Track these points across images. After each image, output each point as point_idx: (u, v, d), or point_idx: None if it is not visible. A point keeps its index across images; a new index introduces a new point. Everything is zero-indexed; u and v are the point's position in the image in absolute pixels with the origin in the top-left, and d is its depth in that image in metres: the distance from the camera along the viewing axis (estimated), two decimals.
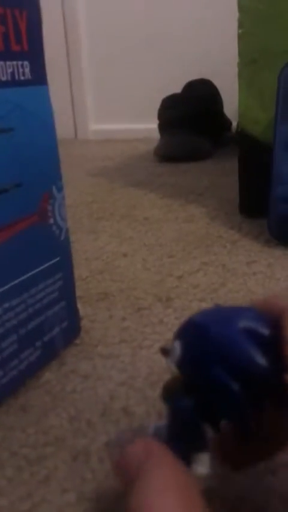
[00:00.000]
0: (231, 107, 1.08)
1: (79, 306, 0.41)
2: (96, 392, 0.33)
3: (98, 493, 0.26)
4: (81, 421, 0.31)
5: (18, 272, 0.33)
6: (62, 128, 1.20)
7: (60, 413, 0.32)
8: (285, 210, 0.56)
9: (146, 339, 0.39)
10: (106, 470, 0.27)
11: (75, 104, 1.66)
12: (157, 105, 1.19)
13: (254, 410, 0.20)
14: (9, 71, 0.30)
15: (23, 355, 0.34)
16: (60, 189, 0.35)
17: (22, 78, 0.31)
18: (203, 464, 0.20)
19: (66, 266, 0.37)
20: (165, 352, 0.22)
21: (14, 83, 0.31)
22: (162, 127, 1.17)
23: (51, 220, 0.35)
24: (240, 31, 0.61)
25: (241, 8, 0.60)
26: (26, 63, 0.31)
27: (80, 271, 0.53)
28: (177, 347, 0.21)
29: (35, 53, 0.32)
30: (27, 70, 0.32)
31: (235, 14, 0.60)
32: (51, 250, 0.35)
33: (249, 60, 0.61)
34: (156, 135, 1.20)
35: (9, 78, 0.30)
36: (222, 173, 0.95)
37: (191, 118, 1.12)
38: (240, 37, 0.61)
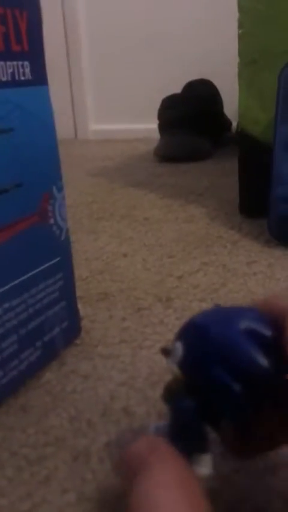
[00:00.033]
0: (231, 107, 1.08)
1: (79, 306, 0.41)
2: (97, 393, 0.33)
3: (98, 493, 0.26)
4: (81, 421, 0.31)
5: (19, 272, 0.33)
6: (62, 128, 1.20)
7: (61, 413, 0.32)
8: (285, 210, 0.56)
9: (146, 339, 0.39)
10: (106, 471, 0.27)
11: (75, 104, 1.66)
12: (157, 105, 1.19)
13: (255, 411, 0.20)
14: (10, 71, 0.30)
15: (23, 355, 0.34)
16: (60, 189, 0.35)
17: (22, 78, 0.31)
18: (204, 465, 0.20)
19: (66, 266, 0.37)
20: (166, 352, 0.22)
21: (14, 83, 0.31)
22: (162, 127, 1.17)
23: (52, 221, 0.35)
24: (240, 31, 0.61)
25: (241, 8, 0.60)
26: (26, 63, 0.31)
27: (80, 271, 0.53)
28: (179, 348, 0.21)
29: (35, 53, 0.32)
30: (27, 70, 0.32)
31: (235, 14, 0.61)
32: (51, 251, 0.35)
33: (249, 61, 0.61)
34: (156, 135, 1.20)
35: (9, 78, 0.30)
36: (222, 173, 0.95)
37: (191, 118, 1.12)
38: (240, 37, 0.61)
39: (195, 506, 0.17)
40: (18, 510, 0.25)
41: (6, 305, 0.32)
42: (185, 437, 0.20)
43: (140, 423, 0.30)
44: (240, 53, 0.62)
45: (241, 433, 0.22)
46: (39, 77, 0.33)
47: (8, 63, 0.30)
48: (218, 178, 0.91)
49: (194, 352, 0.21)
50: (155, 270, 0.53)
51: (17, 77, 0.31)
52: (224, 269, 0.52)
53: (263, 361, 0.20)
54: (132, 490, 0.18)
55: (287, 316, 0.20)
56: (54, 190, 0.35)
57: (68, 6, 1.57)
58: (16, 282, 0.32)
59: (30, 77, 0.32)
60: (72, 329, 0.39)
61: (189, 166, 1.04)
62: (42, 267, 0.34)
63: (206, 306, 0.44)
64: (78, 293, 0.42)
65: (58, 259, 0.36)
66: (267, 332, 0.21)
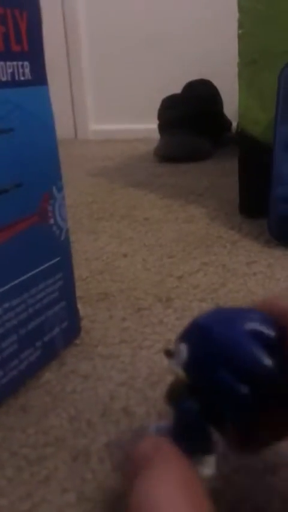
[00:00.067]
0: (231, 107, 1.09)
1: (79, 306, 0.41)
2: (97, 393, 0.33)
3: (98, 493, 0.26)
4: (81, 421, 0.31)
5: (19, 272, 0.33)
6: (62, 128, 1.20)
7: (60, 413, 0.32)
8: (285, 211, 0.56)
9: (146, 339, 0.39)
10: (106, 471, 0.27)
11: (75, 104, 1.67)
12: (157, 105, 1.19)
13: (260, 411, 0.20)
14: (9, 71, 0.30)
15: (23, 355, 0.34)
16: (60, 189, 0.36)
17: (22, 78, 0.31)
18: (208, 466, 0.20)
19: (66, 266, 0.37)
20: (169, 354, 0.22)
21: (14, 83, 0.31)
22: (162, 127, 1.17)
23: (52, 221, 0.35)
24: (240, 31, 0.61)
25: (241, 8, 0.60)
26: (26, 63, 0.31)
27: (80, 271, 0.53)
28: (183, 349, 0.21)
29: (35, 54, 0.32)
30: (27, 70, 0.32)
31: (235, 14, 0.61)
32: (51, 251, 0.35)
33: (249, 61, 0.61)
34: (156, 135, 1.20)
35: (9, 78, 0.30)
36: (222, 173, 0.95)
37: (191, 118, 1.12)
38: (240, 37, 0.61)
39: (198, 506, 0.17)
40: (18, 510, 0.25)
41: (6, 305, 0.32)
42: (189, 438, 0.20)
43: (139, 423, 0.30)
44: (240, 53, 0.62)
45: (245, 432, 0.22)
46: (39, 77, 0.33)
47: (8, 63, 0.30)
48: (218, 179, 0.91)
49: (199, 353, 0.21)
50: (155, 270, 0.53)
51: (16, 77, 0.31)
52: (224, 269, 0.52)
53: (267, 361, 0.20)
54: (133, 490, 0.18)
55: None
56: (54, 190, 0.35)
57: (68, 6, 1.57)
58: (16, 282, 0.32)
59: (30, 77, 0.32)
60: (72, 329, 0.39)
61: (189, 166, 1.04)
62: (42, 267, 0.34)
63: (206, 306, 0.44)
64: (78, 293, 0.42)
65: (58, 259, 0.36)
66: (271, 333, 0.21)
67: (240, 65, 0.62)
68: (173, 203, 0.77)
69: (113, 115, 1.62)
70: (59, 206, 0.35)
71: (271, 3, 0.59)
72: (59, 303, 0.36)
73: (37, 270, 0.34)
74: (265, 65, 0.61)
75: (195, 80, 1.21)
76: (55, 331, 0.36)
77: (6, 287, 0.32)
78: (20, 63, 0.31)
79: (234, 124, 1.09)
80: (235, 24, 0.61)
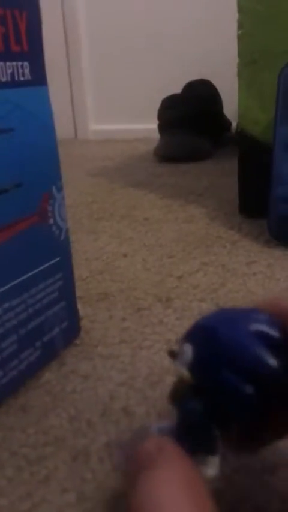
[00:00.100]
0: (231, 107, 1.09)
1: (79, 306, 0.41)
2: (96, 393, 0.33)
3: (97, 492, 0.26)
4: (81, 421, 0.31)
5: (18, 272, 0.33)
6: (62, 128, 1.20)
7: (60, 413, 0.32)
8: (285, 211, 0.57)
9: (146, 339, 0.39)
10: (106, 471, 0.27)
11: (75, 104, 1.67)
12: (157, 105, 1.19)
13: (265, 411, 0.20)
14: (9, 71, 0.30)
15: (23, 355, 0.34)
16: (60, 189, 0.36)
17: (22, 78, 0.31)
18: (211, 466, 0.20)
19: (66, 266, 0.37)
20: (173, 355, 0.22)
21: (13, 83, 0.31)
22: (162, 127, 1.17)
23: (51, 221, 0.35)
24: (239, 32, 0.61)
25: (241, 8, 0.60)
26: (25, 63, 0.31)
27: (80, 271, 0.53)
28: (188, 350, 0.21)
29: (34, 54, 0.32)
30: (27, 71, 0.32)
31: (235, 15, 0.61)
32: (51, 251, 0.35)
33: (249, 61, 0.61)
34: (156, 135, 1.20)
35: (8, 78, 0.30)
36: (222, 174, 0.95)
37: (191, 118, 1.12)
38: (240, 38, 0.61)
39: (201, 506, 0.17)
40: (18, 510, 0.25)
41: (6, 305, 0.32)
42: (192, 438, 0.20)
43: (139, 423, 0.30)
44: (240, 53, 0.62)
45: (249, 432, 0.22)
46: (39, 78, 0.33)
47: (8, 63, 0.30)
48: (217, 179, 0.91)
49: (204, 354, 0.21)
50: (155, 270, 0.53)
51: (16, 78, 0.31)
52: (224, 269, 0.52)
53: (272, 361, 0.20)
54: (136, 490, 0.18)
55: None
56: (54, 190, 0.35)
57: (68, 6, 1.57)
58: (16, 282, 0.32)
59: (29, 78, 0.32)
60: (72, 329, 0.39)
61: (189, 166, 1.04)
62: (41, 267, 0.34)
63: (206, 306, 0.44)
64: (78, 293, 0.42)
65: (58, 259, 0.36)
66: (275, 333, 0.21)
67: (240, 65, 0.62)
68: (172, 203, 0.77)
69: (113, 115, 1.62)
70: (58, 206, 0.35)
71: (271, 3, 0.59)
72: (58, 303, 0.36)
73: (37, 270, 0.34)
74: (265, 65, 0.61)
75: (195, 80, 1.21)
76: (55, 331, 0.36)
77: (6, 287, 0.32)
78: (19, 63, 0.31)
79: (234, 124, 1.09)
80: (235, 25, 0.61)
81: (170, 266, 0.53)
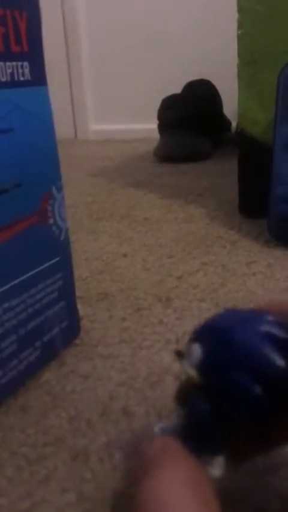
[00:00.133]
0: (231, 107, 1.09)
1: (79, 306, 0.41)
2: (96, 393, 0.33)
3: (97, 492, 0.26)
4: (81, 421, 0.31)
5: (18, 272, 0.33)
6: (62, 128, 1.20)
7: (60, 413, 0.32)
8: (285, 211, 0.57)
9: (145, 339, 0.39)
10: (106, 470, 0.27)
11: (75, 104, 1.67)
12: (157, 105, 1.19)
13: (273, 413, 0.20)
14: (9, 71, 0.30)
15: (23, 355, 0.34)
16: (60, 189, 0.36)
17: (22, 78, 0.31)
18: (217, 467, 0.20)
19: (66, 266, 0.37)
20: (180, 355, 0.22)
21: (13, 83, 0.31)
22: (161, 127, 1.17)
23: (51, 221, 0.35)
24: (239, 32, 0.61)
25: (240, 8, 0.60)
26: (25, 64, 0.31)
27: (80, 271, 0.53)
28: (197, 350, 0.21)
29: (34, 54, 0.32)
30: (26, 71, 0.32)
31: (235, 15, 0.61)
32: (51, 251, 0.35)
33: (249, 61, 0.61)
34: (156, 135, 1.20)
35: (8, 78, 0.30)
36: (222, 174, 0.95)
37: (191, 118, 1.12)
38: (239, 38, 0.61)
39: (206, 506, 0.17)
40: (17, 509, 0.25)
41: (6, 305, 0.32)
42: (199, 438, 0.20)
43: (139, 423, 0.30)
44: (240, 53, 0.62)
45: (256, 433, 0.22)
46: (39, 78, 0.33)
47: (8, 63, 0.30)
48: (217, 179, 0.91)
49: (214, 354, 0.21)
50: (154, 270, 0.53)
51: (16, 78, 0.31)
52: (224, 269, 0.52)
53: (280, 362, 0.20)
54: (140, 489, 0.18)
55: None
56: (54, 190, 0.35)
57: (68, 6, 1.57)
58: (15, 282, 0.32)
59: (29, 78, 0.32)
60: (72, 329, 0.39)
61: (188, 166, 1.04)
62: (41, 267, 0.34)
63: (206, 306, 0.44)
64: (78, 293, 0.42)
65: (57, 259, 0.36)
66: (283, 334, 0.21)
67: (240, 65, 0.62)
68: (172, 203, 0.77)
69: (113, 115, 1.62)
70: (58, 206, 0.35)
71: (271, 3, 0.59)
72: (58, 303, 0.36)
73: (37, 270, 0.34)
74: (265, 65, 0.61)
75: (195, 80, 1.21)
76: (55, 331, 0.36)
77: (6, 287, 0.32)
78: (19, 63, 0.31)
79: (234, 124, 1.09)
80: (235, 24, 0.61)
81: (169, 266, 0.53)
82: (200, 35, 1.42)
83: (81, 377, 0.35)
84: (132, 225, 0.67)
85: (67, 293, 0.37)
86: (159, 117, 1.18)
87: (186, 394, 0.22)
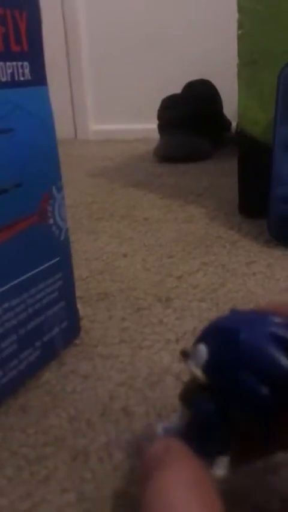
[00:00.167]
0: (231, 107, 1.09)
1: (79, 306, 0.41)
2: (96, 393, 0.33)
3: (97, 492, 0.26)
4: (81, 421, 0.31)
5: (18, 272, 0.33)
6: (62, 128, 1.20)
7: (60, 413, 0.32)
8: (285, 211, 0.57)
9: (145, 339, 0.39)
10: (106, 470, 0.27)
11: (75, 104, 1.67)
12: (157, 105, 1.19)
13: (279, 413, 0.20)
14: (9, 71, 0.30)
15: (23, 355, 0.34)
16: (60, 189, 0.36)
17: (22, 78, 0.31)
18: (221, 467, 0.20)
19: (66, 266, 0.37)
20: (185, 355, 0.22)
21: (13, 83, 0.31)
22: (161, 127, 1.17)
23: (51, 221, 0.35)
24: (239, 32, 0.61)
25: (240, 8, 0.60)
26: (25, 63, 0.31)
27: (80, 271, 0.53)
28: (203, 350, 0.21)
29: (34, 54, 0.32)
30: (26, 71, 0.32)
31: (235, 15, 0.61)
32: (51, 251, 0.35)
33: (249, 61, 0.61)
34: (155, 135, 1.20)
35: (8, 78, 0.30)
36: (222, 174, 0.95)
37: (191, 118, 1.12)
38: (239, 38, 0.61)
39: (210, 506, 0.17)
40: (17, 509, 0.25)
41: (6, 305, 0.32)
42: (204, 438, 0.20)
43: (139, 423, 0.30)
44: (240, 53, 0.62)
45: (263, 434, 0.22)
46: (39, 78, 0.33)
47: (8, 63, 0.30)
48: (217, 179, 0.91)
49: (220, 355, 0.21)
50: (154, 270, 0.53)
51: (16, 78, 0.31)
52: (224, 269, 0.52)
53: (286, 363, 0.20)
54: (144, 490, 0.18)
55: None
56: (54, 190, 0.35)
57: (68, 6, 1.57)
58: (16, 282, 0.32)
59: (29, 78, 0.32)
60: (72, 329, 0.39)
61: (188, 166, 1.04)
62: (41, 267, 0.34)
63: (206, 306, 0.44)
64: (78, 293, 0.42)
65: (57, 259, 0.36)
66: None
67: (240, 65, 0.62)
68: (172, 203, 0.77)
69: (113, 115, 1.62)
70: (58, 206, 0.35)
71: (271, 3, 0.59)
72: (58, 303, 0.36)
73: (37, 270, 0.34)
74: (265, 65, 0.61)
75: (195, 80, 1.21)
76: (55, 331, 0.36)
77: (6, 287, 0.32)
78: (19, 63, 0.31)
79: (234, 124, 1.09)
80: (235, 25, 0.61)
81: (169, 266, 0.53)
82: (200, 35, 1.42)
83: (81, 377, 0.35)
84: (132, 225, 0.67)
85: (67, 293, 0.37)
86: (159, 117, 1.18)
87: (191, 394, 0.22)
